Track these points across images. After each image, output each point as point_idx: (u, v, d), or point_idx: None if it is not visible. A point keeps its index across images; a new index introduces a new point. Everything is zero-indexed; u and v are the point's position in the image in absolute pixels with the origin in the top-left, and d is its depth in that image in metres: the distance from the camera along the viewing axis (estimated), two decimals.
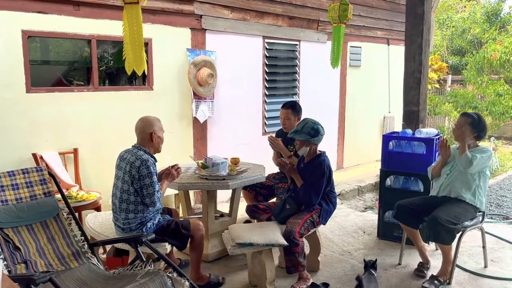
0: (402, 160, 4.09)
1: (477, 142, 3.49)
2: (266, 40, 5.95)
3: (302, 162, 3.47)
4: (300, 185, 3.34)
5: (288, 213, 3.29)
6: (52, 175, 2.85)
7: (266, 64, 6.00)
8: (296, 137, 3.37)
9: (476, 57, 10.34)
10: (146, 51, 4.50)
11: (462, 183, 3.36)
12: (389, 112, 8.31)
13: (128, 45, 2.82)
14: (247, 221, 3.82)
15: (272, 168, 4.31)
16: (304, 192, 3.28)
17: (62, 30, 4.09)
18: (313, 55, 6.64)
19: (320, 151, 3.42)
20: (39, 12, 3.94)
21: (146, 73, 4.41)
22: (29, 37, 3.93)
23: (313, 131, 3.29)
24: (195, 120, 5.18)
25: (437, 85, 12.40)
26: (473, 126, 3.35)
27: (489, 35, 14.78)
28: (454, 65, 15.02)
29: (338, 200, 3.55)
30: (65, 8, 4.09)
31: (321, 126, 3.36)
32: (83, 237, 2.79)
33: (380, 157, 4.31)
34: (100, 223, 3.35)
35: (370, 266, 3.20)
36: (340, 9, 3.95)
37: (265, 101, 6.08)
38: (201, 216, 3.76)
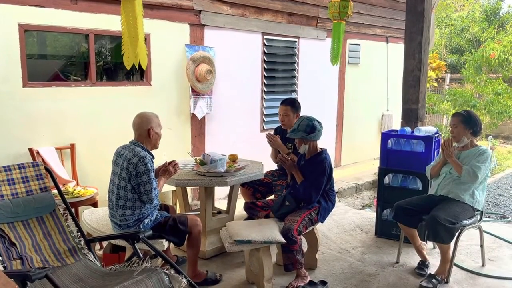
0: (401, 158, 4.08)
1: (475, 140, 3.49)
2: (265, 37, 5.92)
3: (303, 159, 3.45)
4: (300, 182, 3.33)
5: (287, 210, 3.28)
6: (48, 170, 2.82)
7: (265, 60, 5.97)
8: (293, 136, 3.36)
9: (474, 56, 10.34)
10: None
11: (461, 184, 3.35)
12: (387, 110, 8.30)
13: (127, 39, 2.78)
14: (248, 218, 3.78)
15: (270, 165, 4.30)
16: (304, 189, 3.26)
17: (59, 24, 4.05)
18: (312, 52, 6.61)
19: (321, 148, 3.41)
20: (36, 5, 3.90)
21: (144, 68, 4.39)
22: (26, 31, 3.89)
23: (309, 128, 3.28)
24: (193, 116, 5.15)
25: (435, 84, 12.41)
26: (466, 123, 3.38)
27: (488, 34, 14.79)
28: (452, 64, 15.02)
29: (335, 198, 3.54)
30: (63, 2, 4.05)
31: (318, 122, 3.34)
32: (79, 233, 2.76)
33: (378, 155, 4.29)
34: (97, 219, 3.33)
35: None
36: (341, 5, 3.93)
37: (264, 98, 6.05)
38: (199, 213, 3.74)
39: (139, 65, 2.79)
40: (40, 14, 3.92)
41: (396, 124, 7.98)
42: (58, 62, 4.46)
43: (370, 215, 4.93)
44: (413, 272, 3.50)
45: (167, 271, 2.38)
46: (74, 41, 4.40)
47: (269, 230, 3.09)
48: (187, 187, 4.08)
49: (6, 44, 3.78)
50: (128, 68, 2.82)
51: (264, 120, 6.09)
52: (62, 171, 4.00)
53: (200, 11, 5.08)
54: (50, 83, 4.15)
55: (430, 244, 3.94)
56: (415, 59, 4.37)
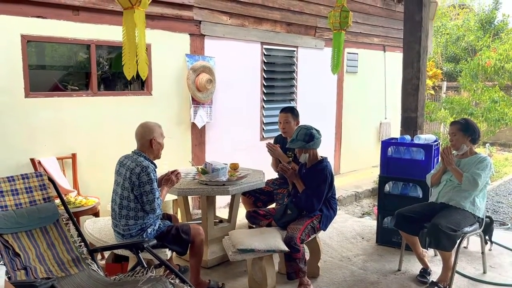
0: (401, 166, 4.10)
1: (474, 147, 3.52)
2: (264, 46, 5.97)
3: (304, 168, 3.47)
4: (302, 190, 3.35)
5: (289, 218, 3.29)
6: (51, 180, 2.83)
7: (264, 70, 6.01)
8: (292, 146, 3.39)
9: (470, 64, 10.43)
10: None
11: (462, 192, 3.37)
12: (386, 118, 8.35)
13: (127, 50, 2.80)
14: (250, 227, 3.79)
15: (271, 174, 4.31)
16: (306, 198, 3.28)
17: (61, 35, 4.08)
18: (311, 61, 6.66)
19: (322, 156, 3.43)
20: (38, 16, 3.93)
21: (143, 79, 4.42)
22: (28, 41, 3.91)
23: (307, 137, 3.31)
24: (193, 125, 5.17)
25: (432, 92, 12.49)
26: (464, 131, 3.42)
27: (483, 42, 14.91)
28: (448, 72, 15.13)
29: (337, 206, 3.55)
30: (64, 13, 4.08)
31: (316, 130, 3.37)
32: (82, 243, 2.76)
33: (376, 163, 4.31)
34: (99, 228, 3.33)
35: None
36: (341, 16, 3.98)
37: (263, 107, 6.09)
38: (200, 221, 3.74)
39: (138, 75, 2.81)
40: (42, 25, 3.95)
41: (394, 132, 8.02)
42: (59, 72, 4.48)
43: (371, 223, 4.95)
44: (415, 280, 3.51)
45: (172, 281, 2.39)
46: (73, 51, 4.43)
47: (272, 239, 3.09)
48: (188, 196, 4.08)
49: (9, 55, 3.80)
50: (129, 78, 2.84)
51: (263, 129, 6.11)
52: (63, 181, 4.00)
53: (200, 21, 5.13)
54: (52, 93, 4.17)
55: (431, 251, 3.95)
56: (414, 68, 4.42)
